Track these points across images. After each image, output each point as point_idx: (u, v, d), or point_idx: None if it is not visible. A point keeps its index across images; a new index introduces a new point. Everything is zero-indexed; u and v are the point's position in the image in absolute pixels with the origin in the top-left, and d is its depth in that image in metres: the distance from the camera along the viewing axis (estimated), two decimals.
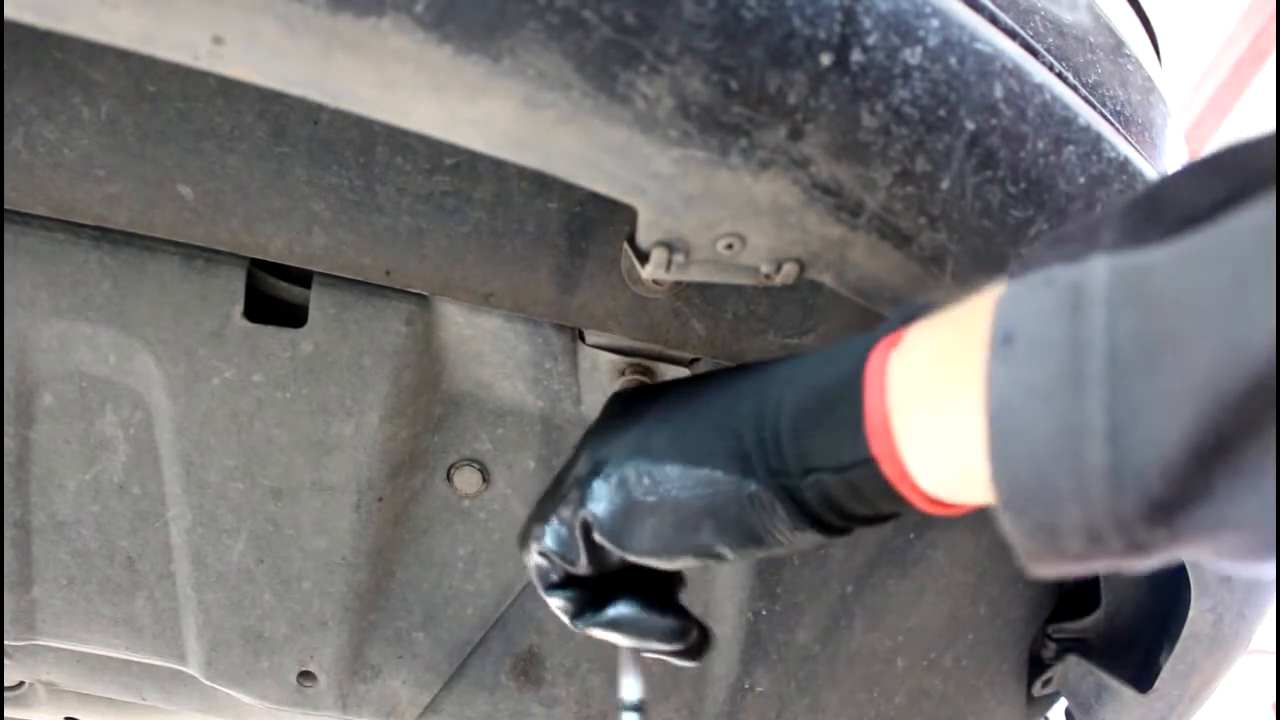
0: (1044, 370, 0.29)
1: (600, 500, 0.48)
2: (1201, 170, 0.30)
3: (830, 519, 0.43)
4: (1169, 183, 0.30)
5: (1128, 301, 0.28)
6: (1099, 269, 0.29)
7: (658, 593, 0.53)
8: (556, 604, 0.53)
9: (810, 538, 0.44)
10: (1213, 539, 0.28)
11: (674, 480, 0.45)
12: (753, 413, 0.44)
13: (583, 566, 0.50)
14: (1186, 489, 0.27)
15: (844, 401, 0.40)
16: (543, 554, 0.52)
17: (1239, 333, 0.26)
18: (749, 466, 0.43)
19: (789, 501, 0.43)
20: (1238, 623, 0.76)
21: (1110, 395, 0.28)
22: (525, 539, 0.54)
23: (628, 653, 0.55)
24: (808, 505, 0.43)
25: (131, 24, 0.37)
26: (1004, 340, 0.31)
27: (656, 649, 0.53)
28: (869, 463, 0.39)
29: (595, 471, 0.49)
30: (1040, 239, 0.33)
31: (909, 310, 0.41)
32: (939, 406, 0.35)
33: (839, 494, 0.42)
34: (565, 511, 0.50)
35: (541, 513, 0.53)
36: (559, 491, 0.52)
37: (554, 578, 0.52)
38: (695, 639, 0.53)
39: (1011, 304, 0.31)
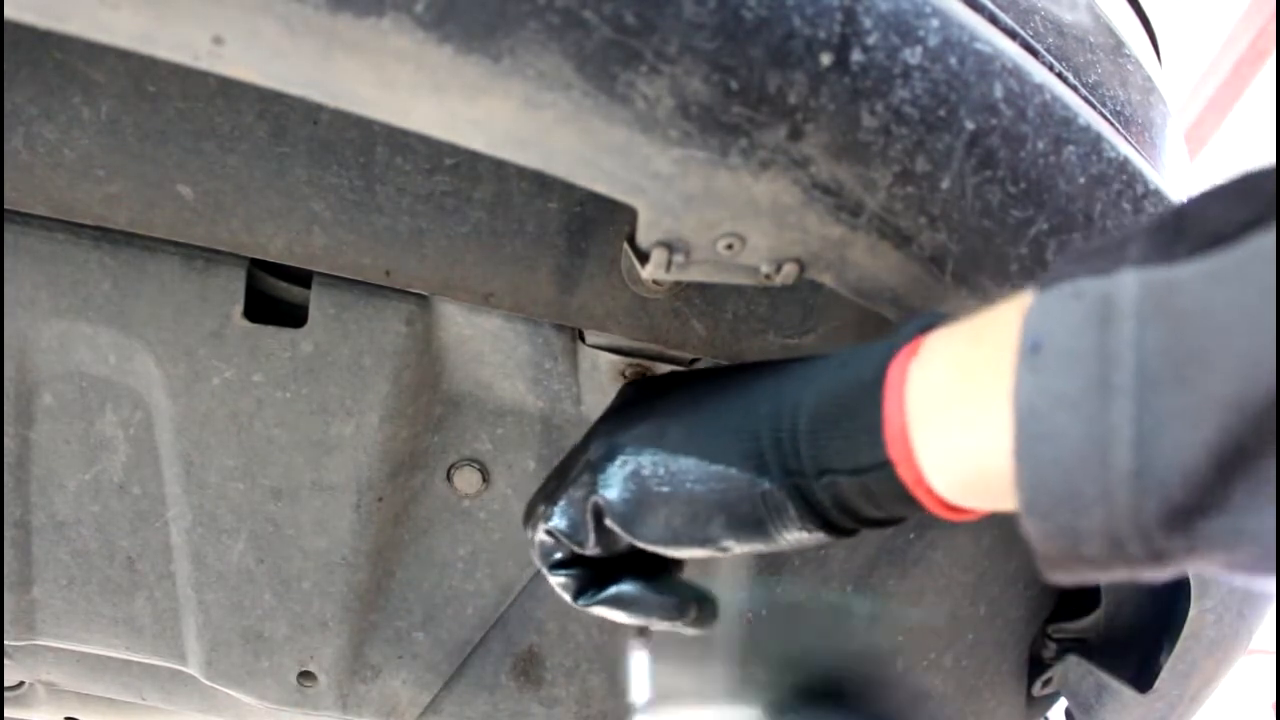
0: (1072, 379, 0.30)
1: (614, 486, 0.49)
2: (1228, 192, 0.30)
3: (840, 520, 0.44)
4: (1195, 203, 0.31)
5: (1156, 315, 0.29)
6: (1128, 283, 0.30)
7: (657, 572, 0.54)
8: (558, 582, 0.54)
9: (817, 538, 0.45)
10: (1228, 551, 0.29)
11: (688, 474, 0.46)
12: (770, 413, 0.45)
13: (590, 548, 0.51)
14: (1207, 499, 0.28)
15: (863, 406, 0.41)
16: (550, 533, 0.52)
17: (1262, 349, 0.26)
18: (763, 465, 0.44)
19: (801, 501, 0.44)
20: (1238, 623, 0.76)
21: (1137, 406, 0.29)
22: (530, 516, 0.55)
23: (636, 654, 0.56)
24: (820, 506, 0.44)
25: (131, 24, 0.37)
26: (1032, 349, 0.32)
27: (657, 625, 0.54)
28: (885, 466, 0.40)
29: (610, 457, 0.50)
30: (1063, 254, 0.34)
31: (927, 319, 0.41)
32: (958, 414, 0.36)
33: (852, 496, 0.43)
34: (576, 494, 0.51)
35: (549, 492, 0.54)
36: (569, 473, 0.53)
37: (558, 556, 0.53)
38: (695, 612, 0.54)
39: (1040, 314, 0.32)
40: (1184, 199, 0.32)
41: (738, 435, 0.46)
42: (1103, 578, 0.32)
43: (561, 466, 0.55)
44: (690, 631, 0.55)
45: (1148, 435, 0.28)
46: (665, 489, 0.47)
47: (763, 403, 0.46)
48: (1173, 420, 0.28)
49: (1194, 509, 0.28)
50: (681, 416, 0.49)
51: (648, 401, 0.53)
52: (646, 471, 0.48)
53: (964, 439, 0.36)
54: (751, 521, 0.45)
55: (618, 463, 0.49)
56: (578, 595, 0.54)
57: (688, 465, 0.46)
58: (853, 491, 0.42)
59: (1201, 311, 0.28)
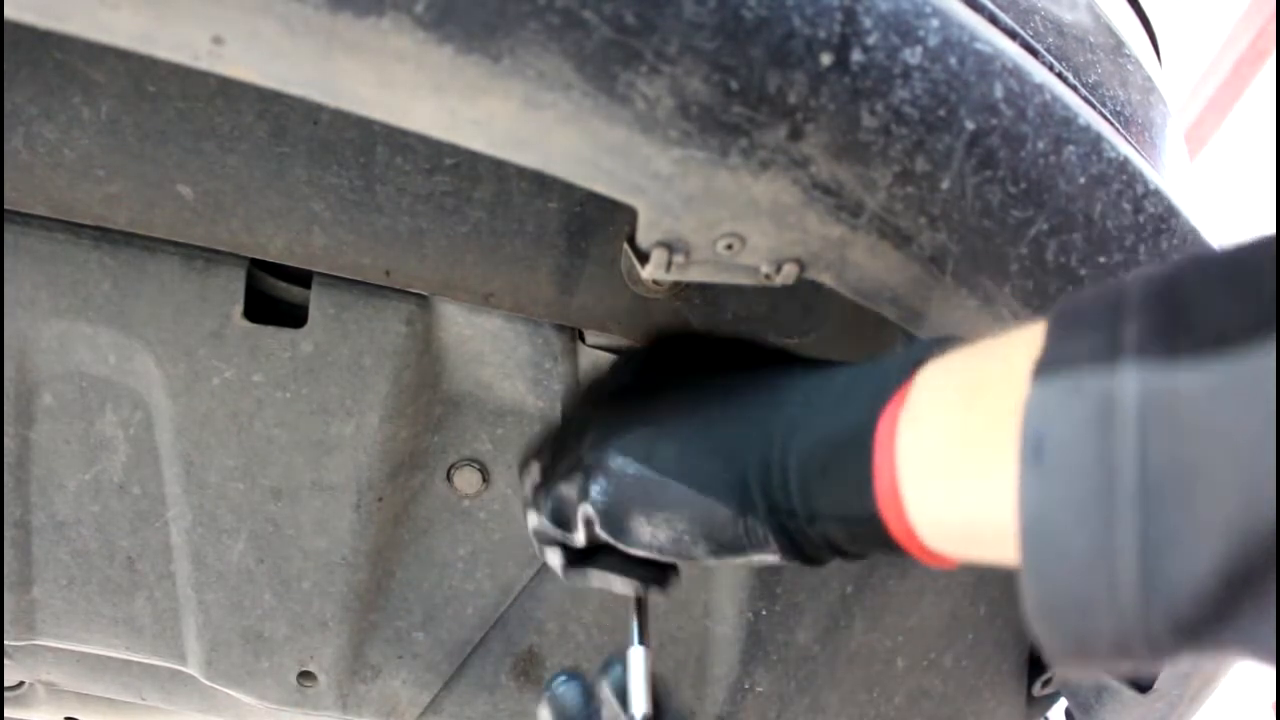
0: (1076, 485, 0.30)
1: (601, 500, 0.50)
2: (1231, 281, 0.29)
3: (821, 555, 0.46)
4: (1196, 286, 0.30)
5: (1158, 424, 0.28)
6: (1129, 384, 0.29)
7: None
8: (552, 560, 0.57)
9: (794, 564, 0.47)
10: (1236, 655, 0.29)
11: (675, 499, 0.48)
12: (758, 450, 0.45)
13: (579, 543, 0.54)
14: (1215, 613, 0.28)
15: (852, 459, 0.41)
16: (540, 524, 0.56)
17: (1266, 473, 0.26)
18: (749, 502, 0.45)
19: (785, 538, 0.45)
20: None
21: (1142, 518, 0.28)
22: (524, 470, 0.58)
23: (636, 663, 0.57)
24: (804, 544, 0.45)
25: (131, 24, 0.37)
26: (1034, 450, 0.31)
27: (640, 591, 0.58)
28: (876, 519, 0.40)
29: (600, 465, 0.51)
30: (1055, 315, 0.33)
31: (915, 354, 0.41)
32: (953, 479, 0.36)
33: (839, 538, 0.43)
34: (568, 494, 0.53)
35: (545, 474, 0.56)
36: (562, 460, 0.55)
37: (550, 538, 0.57)
38: (677, 579, 0.58)
39: (1039, 410, 0.31)
40: (1182, 272, 0.31)
41: (725, 468, 0.46)
42: (1108, 671, 0.32)
43: (557, 443, 0.57)
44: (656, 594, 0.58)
45: (1153, 551, 0.28)
46: (651, 509, 0.48)
47: (752, 438, 0.46)
48: (1178, 536, 0.28)
49: (1202, 623, 0.28)
50: (671, 432, 0.49)
51: (641, 398, 0.53)
52: (635, 491, 0.49)
53: (959, 504, 0.36)
54: (733, 548, 0.47)
55: (607, 472, 0.50)
56: (566, 567, 0.57)
57: (676, 490, 0.47)
58: (840, 535, 0.43)
59: (1205, 427, 0.27)
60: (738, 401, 0.48)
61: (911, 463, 0.38)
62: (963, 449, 0.35)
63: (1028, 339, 0.34)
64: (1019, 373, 0.33)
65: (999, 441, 0.33)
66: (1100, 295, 0.32)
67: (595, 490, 0.50)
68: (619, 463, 0.50)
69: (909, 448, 0.38)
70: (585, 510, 0.51)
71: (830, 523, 0.43)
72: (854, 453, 0.40)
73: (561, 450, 0.56)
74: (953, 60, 0.43)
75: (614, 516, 0.50)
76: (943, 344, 0.40)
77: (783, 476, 0.44)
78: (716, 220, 0.45)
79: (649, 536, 0.49)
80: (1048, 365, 0.32)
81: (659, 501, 0.48)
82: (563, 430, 0.58)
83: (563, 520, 0.54)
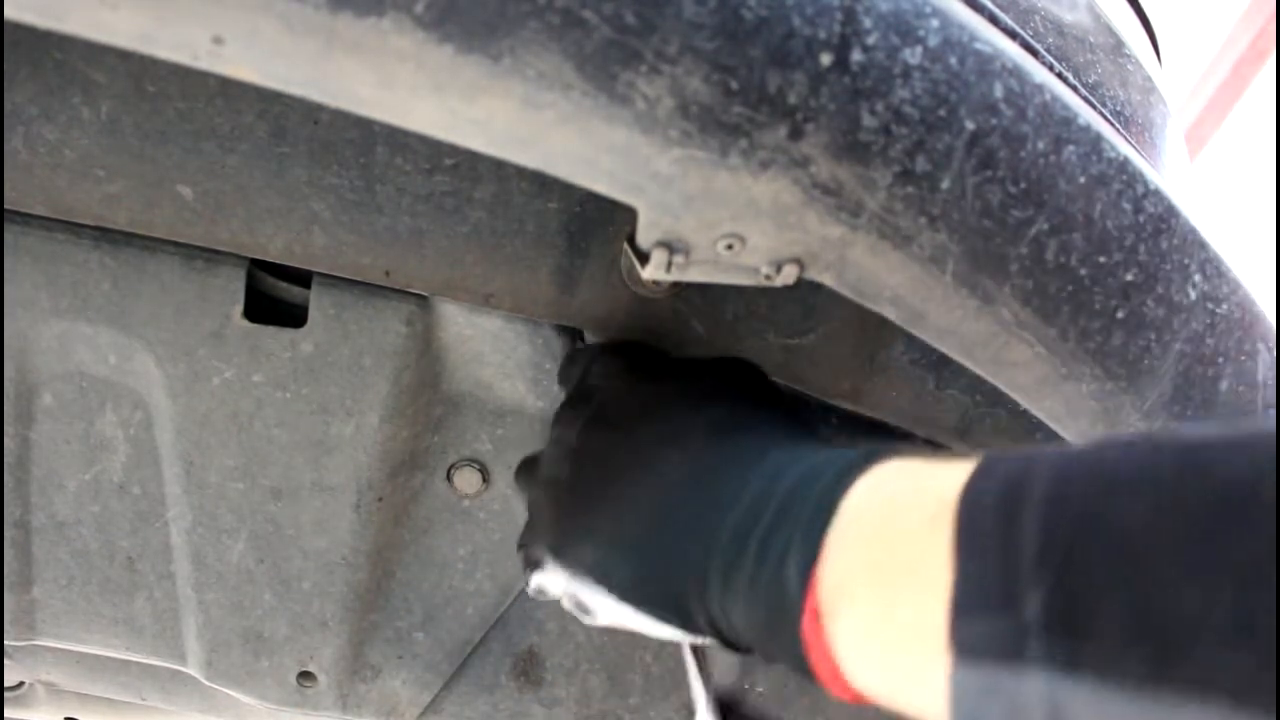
0: None
1: (573, 607, 0.55)
2: (1133, 601, 0.29)
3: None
4: (1091, 571, 0.30)
5: None
6: (1035, 695, 0.30)
7: None
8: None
9: None
10: None
11: (637, 619, 0.51)
12: (698, 594, 0.47)
13: None
14: None
15: (789, 642, 0.42)
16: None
17: None
18: (704, 632, 0.48)
19: (736, 650, 0.48)
20: None
21: None
22: (521, 550, 0.60)
23: (691, 664, 0.58)
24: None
25: (131, 24, 0.37)
26: None
27: None
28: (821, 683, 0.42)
29: (566, 576, 0.54)
30: (961, 516, 0.34)
31: (824, 513, 0.41)
32: (889, 679, 0.37)
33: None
34: (547, 586, 0.57)
35: (534, 541, 0.58)
36: (534, 548, 0.57)
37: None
38: None
39: (965, 702, 0.33)
40: (1074, 530, 0.30)
41: (677, 602, 0.48)
42: None
43: (532, 516, 0.60)
44: None
45: None
46: (621, 620, 0.52)
47: (694, 579, 0.47)
48: None
49: None
50: (622, 553, 0.51)
51: (590, 502, 0.54)
52: (600, 607, 0.52)
53: (895, 689, 0.37)
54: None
55: (572, 586, 0.54)
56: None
57: (636, 614, 0.50)
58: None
59: None
60: (679, 525, 0.49)
61: (847, 655, 0.39)
62: (897, 677, 0.37)
63: (934, 543, 0.34)
64: (933, 599, 0.33)
65: (929, 697, 0.34)
66: (1000, 511, 0.32)
67: (566, 598, 0.55)
68: (580, 579, 0.53)
69: (839, 642, 0.39)
70: (565, 602, 0.56)
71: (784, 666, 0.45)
72: (788, 636, 0.41)
73: (534, 531, 0.59)
74: (953, 60, 0.43)
75: (589, 617, 0.54)
76: (857, 467, 0.41)
77: (731, 630, 0.46)
78: (716, 220, 0.45)
79: (614, 625, 0.53)
80: (964, 651, 0.32)
81: (624, 617, 0.51)
82: (536, 491, 0.60)
83: (546, 594, 0.58)
